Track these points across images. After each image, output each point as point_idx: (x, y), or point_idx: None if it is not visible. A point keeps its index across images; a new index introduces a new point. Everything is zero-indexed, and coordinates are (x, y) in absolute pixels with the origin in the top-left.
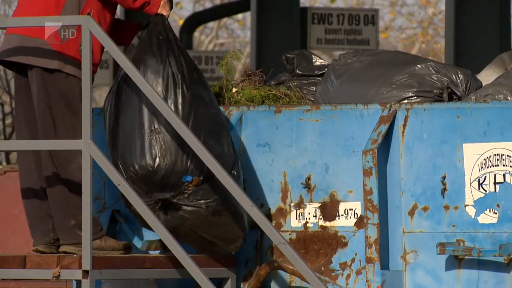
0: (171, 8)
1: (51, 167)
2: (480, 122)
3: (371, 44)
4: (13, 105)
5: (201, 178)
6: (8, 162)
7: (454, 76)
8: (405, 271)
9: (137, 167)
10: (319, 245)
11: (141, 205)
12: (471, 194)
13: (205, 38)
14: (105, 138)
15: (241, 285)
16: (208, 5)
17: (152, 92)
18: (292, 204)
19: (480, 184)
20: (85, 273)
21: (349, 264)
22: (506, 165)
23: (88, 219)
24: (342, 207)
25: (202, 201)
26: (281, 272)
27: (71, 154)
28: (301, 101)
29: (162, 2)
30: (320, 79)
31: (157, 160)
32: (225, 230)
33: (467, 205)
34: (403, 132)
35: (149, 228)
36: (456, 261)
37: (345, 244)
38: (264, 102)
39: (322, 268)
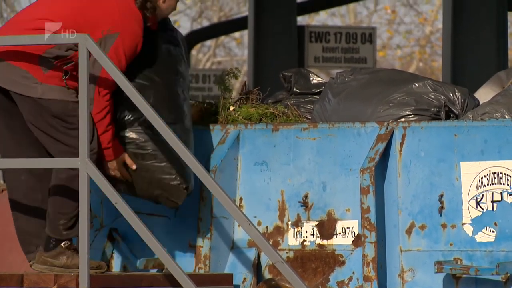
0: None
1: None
2: (477, 141)
3: (368, 62)
4: None
5: None
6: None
7: (451, 95)
8: None
9: None
10: (316, 263)
11: (139, 224)
12: (469, 213)
13: (203, 56)
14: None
15: None
16: (205, 23)
17: (150, 111)
18: (290, 223)
19: (477, 203)
20: None
21: (346, 282)
22: (504, 184)
23: (86, 237)
24: (339, 225)
25: None
26: None
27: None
28: (298, 119)
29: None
30: (318, 97)
31: None
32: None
33: (464, 224)
34: (400, 150)
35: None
36: (453, 280)
37: (343, 263)
38: (261, 120)
39: (320, 287)
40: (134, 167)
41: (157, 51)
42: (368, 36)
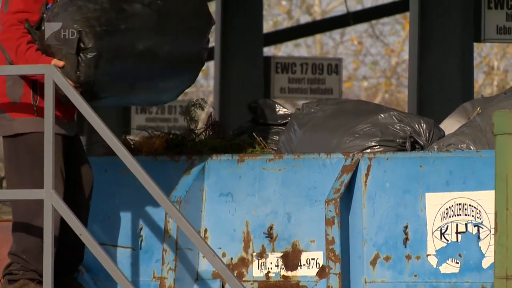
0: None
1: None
2: (442, 172)
3: (334, 93)
4: None
5: None
6: None
7: (417, 125)
8: None
9: None
10: None
11: (103, 255)
12: (433, 244)
13: None
14: None
15: None
16: None
17: (116, 142)
18: (254, 254)
19: (442, 234)
20: None
21: None
22: (468, 215)
23: (49, 270)
24: (304, 256)
25: None
26: None
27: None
28: (264, 150)
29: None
30: (283, 128)
31: None
32: None
33: (429, 255)
34: (365, 181)
35: None
36: None
37: None
38: (227, 152)
39: None
40: (61, 64)
41: None
42: (334, 67)
